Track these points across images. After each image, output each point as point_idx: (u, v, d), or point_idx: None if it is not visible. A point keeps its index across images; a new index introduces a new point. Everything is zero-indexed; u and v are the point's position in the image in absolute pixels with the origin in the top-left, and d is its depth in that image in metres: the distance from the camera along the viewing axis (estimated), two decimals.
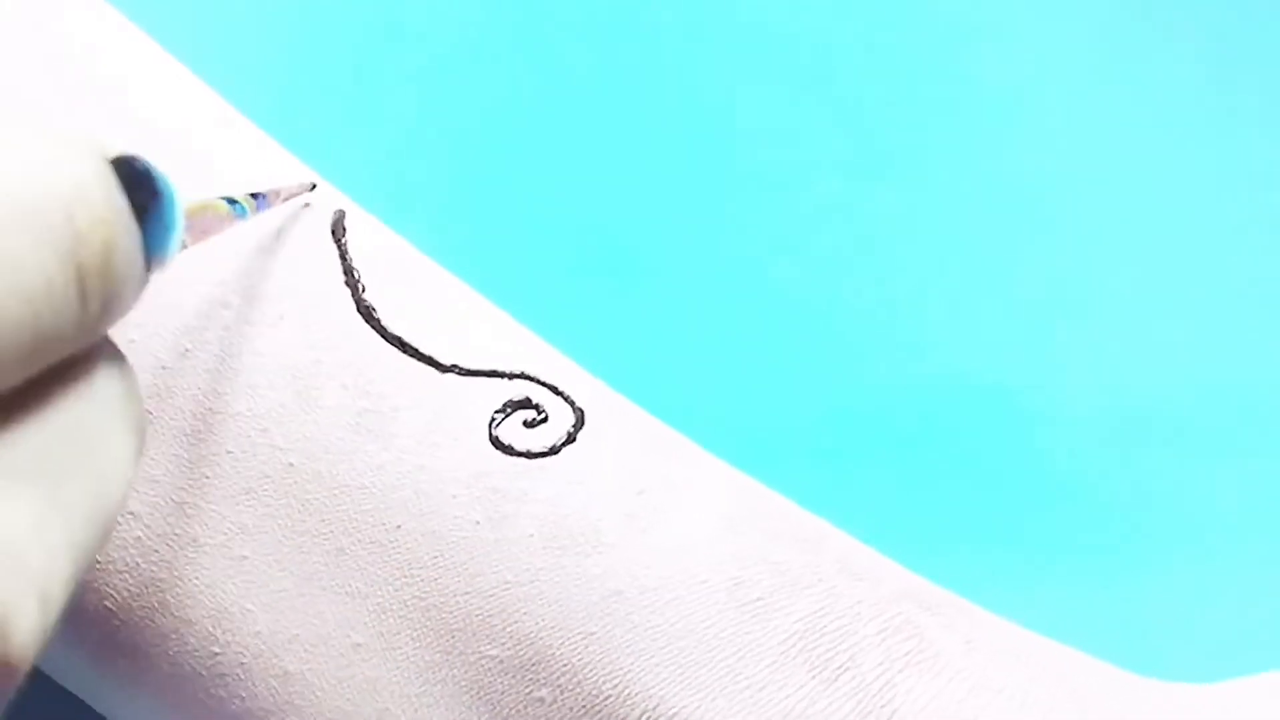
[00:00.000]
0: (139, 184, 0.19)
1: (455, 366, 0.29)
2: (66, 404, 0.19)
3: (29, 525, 0.17)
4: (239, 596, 0.27)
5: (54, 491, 0.18)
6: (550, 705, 0.27)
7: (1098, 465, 0.42)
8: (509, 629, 0.27)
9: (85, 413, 0.19)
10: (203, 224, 0.23)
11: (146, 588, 0.28)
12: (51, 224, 0.17)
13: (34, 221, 0.17)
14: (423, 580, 0.27)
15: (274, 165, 0.32)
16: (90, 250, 0.18)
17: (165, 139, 0.30)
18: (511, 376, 0.29)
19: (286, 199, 0.29)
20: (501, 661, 0.27)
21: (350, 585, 0.27)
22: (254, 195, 0.27)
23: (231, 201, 0.25)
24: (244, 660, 0.27)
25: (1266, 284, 0.45)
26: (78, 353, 0.19)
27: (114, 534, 0.28)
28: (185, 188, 0.29)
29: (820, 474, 0.41)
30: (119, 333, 0.28)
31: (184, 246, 0.21)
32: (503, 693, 0.27)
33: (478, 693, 0.27)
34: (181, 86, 0.32)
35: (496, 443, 0.28)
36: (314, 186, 0.31)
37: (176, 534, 0.28)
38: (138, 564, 0.28)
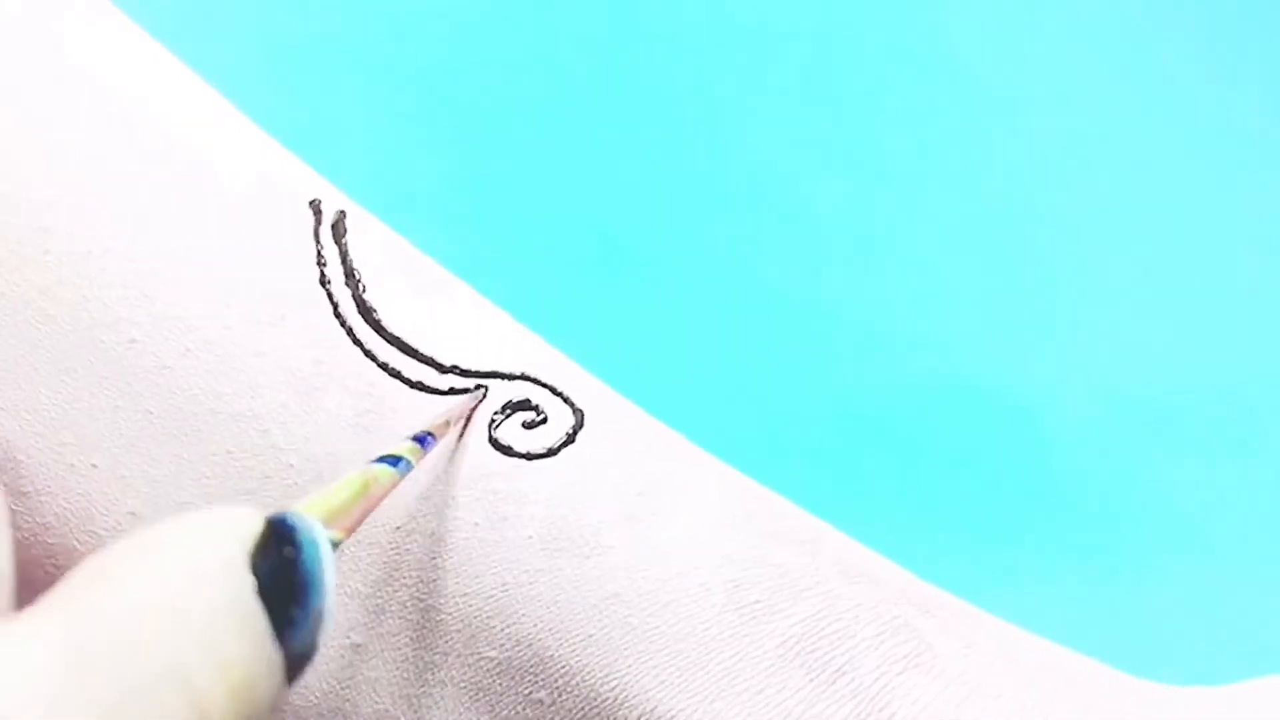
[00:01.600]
0: (284, 582, 0.16)
1: (455, 367, 0.29)
2: None
3: None
4: None
5: None
6: (548, 707, 0.27)
7: (1098, 466, 0.42)
8: (507, 631, 0.27)
9: None
10: (366, 507, 0.20)
11: None
12: None
13: None
14: (422, 582, 0.27)
15: (274, 166, 0.32)
16: None
17: (166, 138, 0.30)
18: (511, 378, 0.29)
19: (459, 420, 0.27)
20: (500, 663, 0.27)
21: (349, 586, 0.27)
22: (418, 439, 0.24)
23: (394, 460, 0.22)
24: None
25: (1267, 284, 0.45)
26: None
27: (113, 535, 0.28)
28: (175, 192, 0.30)
29: (819, 474, 0.41)
30: (119, 332, 0.28)
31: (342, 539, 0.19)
32: (501, 694, 0.27)
33: (476, 694, 0.27)
34: (182, 86, 0.32)
35: (496, 444, 0.28)
36: (486, 392, 0.29)
37: None
38: None
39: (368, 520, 0.27)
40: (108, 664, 0.15)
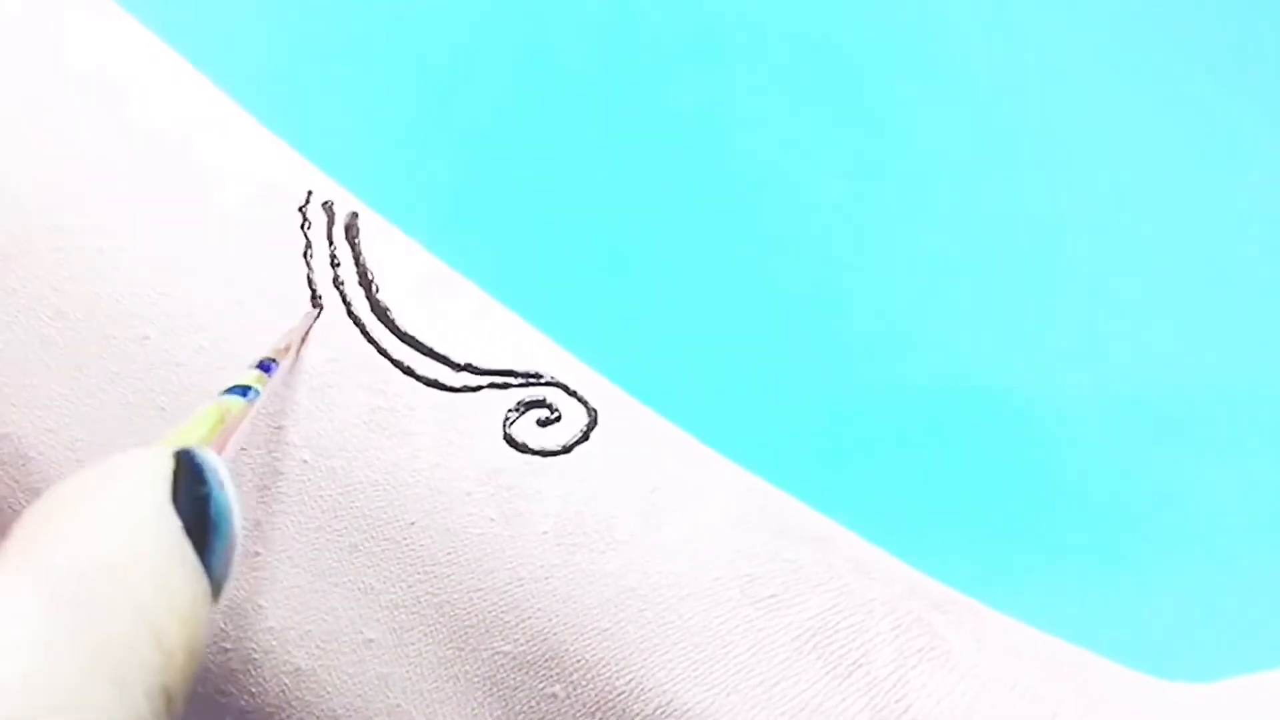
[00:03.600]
0: (201, 516, 0.18)
1: (469, 365, 0.29)
2: None
3: None
4: (251, 592, 0.27)
5: None
6: (563, 701, 0.27)
7: (1099, 466, 0.42)
8: (522, 625, 0.27)
9: None
10: (224, 437, 0.22)
11: None
12: (143, 661, 0.16)
13: (124, 671, 0.16)
14: (436, 577, 0.27)
15: (284, 167, 0.32)
16: (177, 665, 0.17)
17: (175, 138, 0.30)
18: (525, 375, 0.29)
19: (298, 341, 0.28)
20: (514, 658, 0.27)
21: (364, 582, 0.27)
22: (262, 366, 0.25)
23: (243, 390, 0.24)
24: (255, 656, 0.27)
25: (1267, 284, 0.45)
26: None
27: None
28: (186, 191, 0.30)
29: (825, 474, 0.41)
30: (132, 328, 0.28)
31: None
32: (515, 689, 0.27)
33: (490, 689, 0.27)
34: (189, 86, 0.32)
35: (510, 441, 0.28)
36: (320, 311, 0.29)
37: None
38: None
39: (380, 515, 0.28)
40: (83, 613, 0.16)
